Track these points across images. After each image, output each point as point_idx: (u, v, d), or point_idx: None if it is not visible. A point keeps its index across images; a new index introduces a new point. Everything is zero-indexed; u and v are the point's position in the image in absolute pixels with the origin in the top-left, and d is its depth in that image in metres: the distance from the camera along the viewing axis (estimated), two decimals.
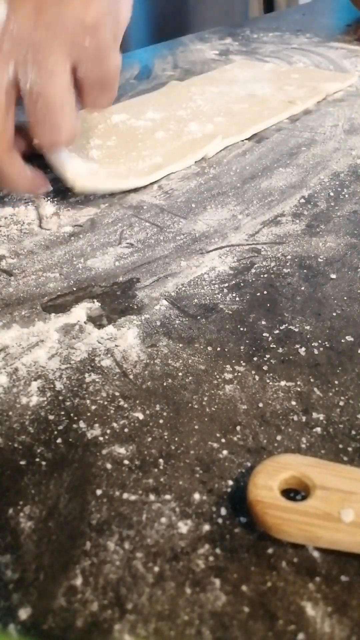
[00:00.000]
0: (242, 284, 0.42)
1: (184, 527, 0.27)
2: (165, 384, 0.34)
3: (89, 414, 0.32)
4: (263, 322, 0.38)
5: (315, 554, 0.25)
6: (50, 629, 0.23)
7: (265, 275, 0.43)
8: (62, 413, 0.32)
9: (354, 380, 0.34)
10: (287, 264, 0.44)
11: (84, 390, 0.34)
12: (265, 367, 0.35)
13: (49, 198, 0.54)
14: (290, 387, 0.34)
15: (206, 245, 0.47)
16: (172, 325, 0.39)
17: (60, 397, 0.33)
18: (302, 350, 0.36)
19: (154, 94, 0.76)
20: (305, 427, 0.31)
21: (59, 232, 0.49)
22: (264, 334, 0.37)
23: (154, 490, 0.28)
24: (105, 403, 0.33)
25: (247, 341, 0.37)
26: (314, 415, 0.32)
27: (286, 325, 0.38)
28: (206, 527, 0.27)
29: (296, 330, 0.38)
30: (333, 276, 0.43)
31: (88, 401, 0.33)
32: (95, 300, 0.41)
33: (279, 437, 0.31)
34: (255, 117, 0.67)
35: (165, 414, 0.32)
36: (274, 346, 0.36)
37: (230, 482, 0.28)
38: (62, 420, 0.32)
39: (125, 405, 0.33)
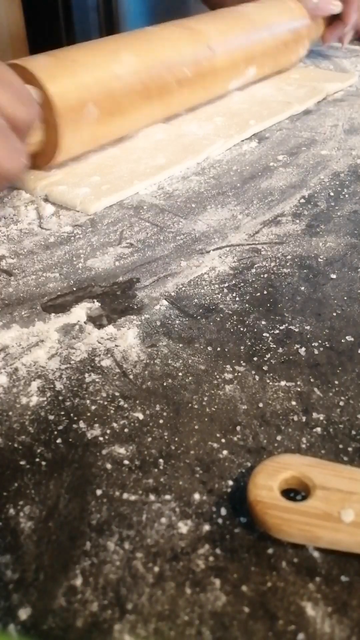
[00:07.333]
0: (242, 284, 0.42)
1: (184, 527, 0.27)
2: (165, 384, 0.34)
3: (89, 414, 0.32)
4: (263, 322, 0.38)
5: (315, 554, 0.25)
6: (50, 629, 0.23)
7: (265, 275, 0.43)
8: (62, 413, 0.32)
9: (354, 380, 0.34)
10: (287, 264, 0.44)
11: (84, 390, 0.34)
12: (265, 367, 0.35)
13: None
14: (290, 387, 0.34)
15: (206, 245, 0.47)
16: (172, 325, 0.39)
17: (60, 397, 0.33)
18: (302, 350, 0.36)
19: None
20: (305, 427, 0.31)
21: (59, 232, 0.49)
22: (264, 334, 0.37)
23: (154, 490, 0.28)
24: (105, 403, 0.33)
25: (247, 341, 0.37)
26: (314, 415, 0.32)
27: (286, 325, 0.38)
28: (206, 527, 0.27)
29: (296, 330, 0.38)
30: (333, 276, 0.43)
31: (88, 401, 0.33)
32: (95, 300, 0.41)
33: (279, 437, 0.31)
34: (255, 117, 0.67)
35: (165, 414, 0.32)
36: (274, 346, 0.36)
37: (230, 482, 0.28)
38: (62, 420, 0.32)
39: (125, 405, 0.33)
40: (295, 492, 0.27)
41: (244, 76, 0.71)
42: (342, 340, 0.37)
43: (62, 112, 0.52)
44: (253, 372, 0.35)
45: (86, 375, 0.35)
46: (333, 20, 0.83)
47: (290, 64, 0.80)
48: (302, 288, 0.42)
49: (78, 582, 0.25)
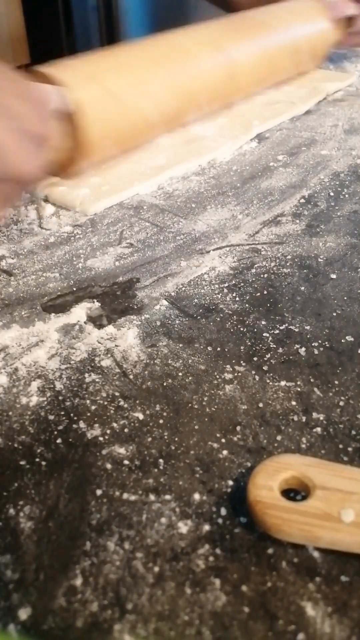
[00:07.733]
0: (242, 284, 0.42)
1: (184, 527, 0.27)
2: (165, 384, 0.34)
3: (89, 414, 0.32)
4: (263, 322, 0.38)
5: (315, 554, 0.25)
6: (50, 629, 0.23)
7: (265, 275, 0.43)
8: (62, 413, 0.32)
9: (354, 380, 0.34)
10: (287, 264, 0.44)
11: (84, 390, 0.34)
12: (265, 367, 0.35)
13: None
14: (290, 387, 0.34)
15: (206, 245, 0.47)
16: (172, 325, 0.39)
17: (60, 397, 0.33)
18: (302, 350, 0.36)
19: None
20: (305, 427, 0.31)
21: (59, 232, 0.49)
22: (264, 334, 0.37)
23: (154, 490, 0.28)
24: (105, 403, 0.33)
25: (247, 341, 0.37)
26: (314, 415, 0.32)
27: (286, 325, 0.38)
28: (206, 527, 0.27)
29: (296, 330, 0.38)
30: (333, 276, 0.43)
31: (88, 401, 0.33)
32: (95, 300, 0.41)
33: (279, 437, 0.31)
34: (256, 117, 0.67)
35: (165, 414, 0.32)
36: (274, 346, 0.36)
37: (230, 482, 0.28)
38: (62, 420, 0.32)
39: (125, 405, 0.33)
40: (295, 492, 0.27)
41: (263, 87, 0.70)
42: (342, 340, 0.37)
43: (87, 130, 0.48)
44: (253, 372, 0.35)
45: (86, 375, 0.35)
46: (351, 23, 0.80)
47: (310, 68, 0.79)
48: (302, 288, 0.42)
49: (78, 582, 0.25)
